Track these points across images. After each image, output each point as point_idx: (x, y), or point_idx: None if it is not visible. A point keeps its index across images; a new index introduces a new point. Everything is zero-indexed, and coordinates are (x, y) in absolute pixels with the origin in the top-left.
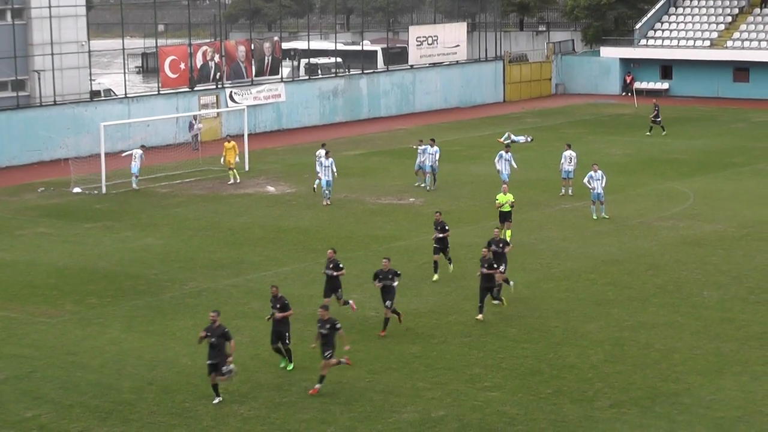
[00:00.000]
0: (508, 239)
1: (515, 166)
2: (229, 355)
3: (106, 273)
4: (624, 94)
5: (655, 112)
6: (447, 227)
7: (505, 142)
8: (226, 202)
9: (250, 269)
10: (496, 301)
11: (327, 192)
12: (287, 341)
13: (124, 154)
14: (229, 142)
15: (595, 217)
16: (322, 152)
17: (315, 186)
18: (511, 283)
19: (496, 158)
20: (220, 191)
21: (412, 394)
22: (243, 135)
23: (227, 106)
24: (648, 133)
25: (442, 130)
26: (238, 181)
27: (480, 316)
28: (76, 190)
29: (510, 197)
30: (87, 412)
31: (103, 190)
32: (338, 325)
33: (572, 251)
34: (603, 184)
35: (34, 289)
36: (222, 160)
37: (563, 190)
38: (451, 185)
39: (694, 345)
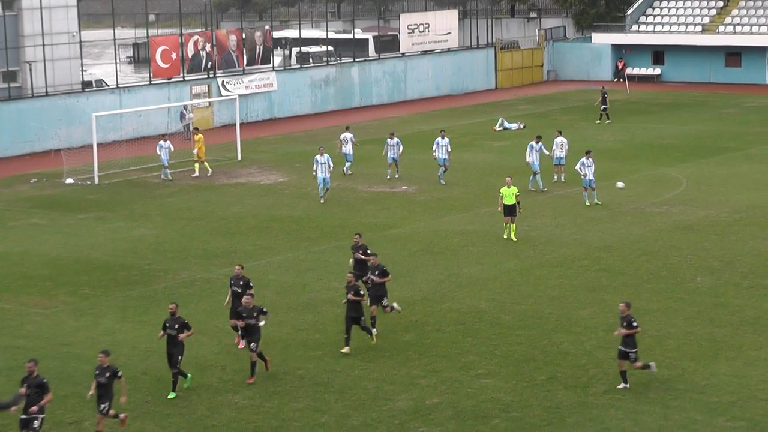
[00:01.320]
0: (512, 236)
1: (546, 152)
2: (40, 409)
3: (100, 263)
4: (616, 80)
5: (603, 98)
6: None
7: (499, 129)
8: (218, 191)
9: (243, 258)
10: (386, 308)
11: (324, 189)
12: (177, 364)
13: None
14: (197, 134)
15: (587, 204)
16: (347, 135)
17: (348, 171)
18: (396, 305)
19: (527, 150)
20: (213, 181)
21: (407, 381)
22: (235, 124)
23: (219, 96)
24: (598, 122)
25: (434, 118)
26: (196, 174)
27: (346, 349)
28: (69, 180)
29: (514, 190)
30: (82, 403)
31: (96, 180)
32: (120, 373)
33: (565, 238)
34: (593, 171)
35: (28, 280)
36: (195, 151)
37: (555, 177)
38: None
39: (687, 330)
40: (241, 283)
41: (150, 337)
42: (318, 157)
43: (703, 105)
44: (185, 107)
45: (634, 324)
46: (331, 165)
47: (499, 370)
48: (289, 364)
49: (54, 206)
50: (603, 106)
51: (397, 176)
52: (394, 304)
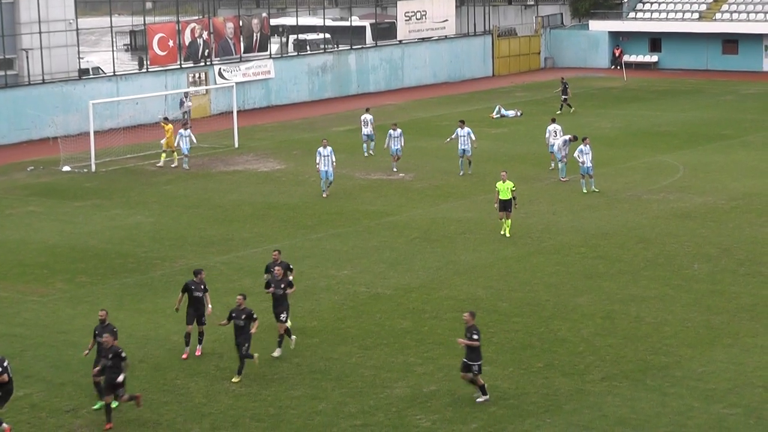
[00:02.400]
0: (507, 232)
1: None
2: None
3: (96, 251)
4: (613, 67)
5: (563, 88)
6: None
7: (496, 116)
8: (215, 179)
9: (240, 246)
10: (248, 359)
11: (327, 183)
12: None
13: None
14: (166, 124)
15: (585, 191)
16: (368, 116)
17: (371, 151)
18: (293, 338)
19: (561, 144)
20: (210, 168)
21: (404, 369)
22: (232, 112)
23: (216, 83)
24: (562, 111)
25: (431, 105)
26: (166, 165)
27: (236, 379)
28: (66, 168)
29: (510, 184)
30: (78, 390)
31: (93, 168)
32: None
33: (562, 225)
34: (591, 158)
35: (25, 268)
36: (163, 141)
37: (552, 164)
38: (440, 160)
39: (684, 317)
40: (202, 286)
41: (147, 325)
42: (321, 149)
43: (700, 92)
44: (185, 94)
45: (474, 336)
46: (334, 159)
47: (497, 357)
48: (287, 352)
49: (51, 194)
50: (563, 96)
51: (395, 169)
52: (292, 339)
